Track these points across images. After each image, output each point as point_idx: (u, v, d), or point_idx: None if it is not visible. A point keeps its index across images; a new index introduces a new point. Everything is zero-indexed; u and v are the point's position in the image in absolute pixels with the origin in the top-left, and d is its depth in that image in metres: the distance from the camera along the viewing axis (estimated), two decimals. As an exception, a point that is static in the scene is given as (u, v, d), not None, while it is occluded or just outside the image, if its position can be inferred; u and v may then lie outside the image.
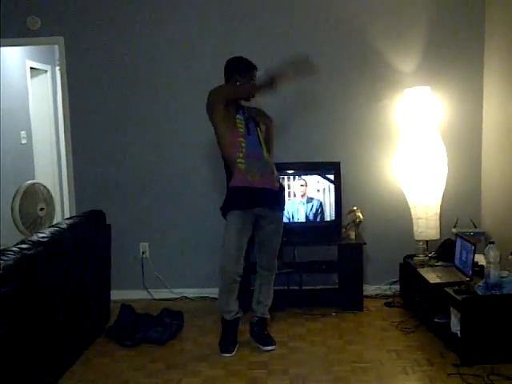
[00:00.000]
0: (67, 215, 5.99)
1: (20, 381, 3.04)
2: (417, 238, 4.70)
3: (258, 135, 3.91)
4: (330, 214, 4.76)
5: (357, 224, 4.79)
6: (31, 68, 6.77)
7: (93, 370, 3.74)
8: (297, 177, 4.76)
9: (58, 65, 5.25)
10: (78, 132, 5.09)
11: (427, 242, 4.69)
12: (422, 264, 4.47)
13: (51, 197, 6.08)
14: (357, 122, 4.94)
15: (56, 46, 5.18)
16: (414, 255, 4.65)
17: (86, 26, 4.99)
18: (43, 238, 3.44)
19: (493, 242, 3.78)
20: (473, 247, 3.98)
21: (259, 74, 3.86)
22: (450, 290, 3.81)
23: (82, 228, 3.94)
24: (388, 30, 4.85)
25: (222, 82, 3.93)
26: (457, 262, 4.24)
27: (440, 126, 4.73)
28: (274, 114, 4.15)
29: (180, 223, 5.11)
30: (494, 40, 4.65)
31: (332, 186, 4.74)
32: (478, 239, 4.47)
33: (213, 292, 4.99)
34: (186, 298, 5.09)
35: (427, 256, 4.58)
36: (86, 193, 5.10)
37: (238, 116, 3.86)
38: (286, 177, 4.71)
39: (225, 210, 3.90)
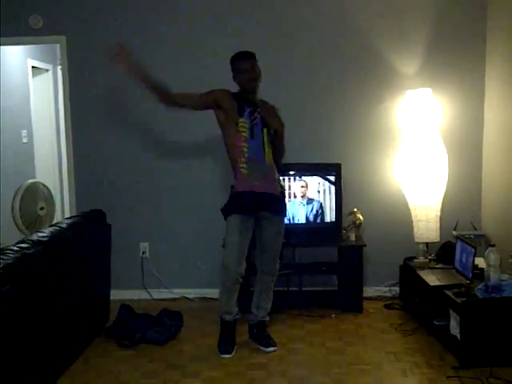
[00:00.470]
0: (67, 214, 5.99)
1: (19, 380, 3.03)
2: (417, 240, 4.69)
3: (263, 138, 3.82)
4: (330, 215, 4.76)
5: (357, 226, 4.78)
6: (33, 67, 6.78)
7: (92, 370, 3.74)
8: (297, 178, 4.76)
9: (60, 64, 5.25)
10: (78, 131, 5.09)
11: (427, 244, 4.68)
12: (422, 266, 4.47)
13: (51, 196, 6.08)
14: (358, 123, 4.94)
15: (58, 45, 5.18)
16: (414, 257, 4.65)
17: (87, 25, 4.99)
18: (43, 237, 3.45)
19: (493, 245, 3.77)
20: (473, 250, 3.97)
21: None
22: (449, 293, 3.81)
23: (82, 227, 3.94)
24: (389, 31, 4.85)
25: (228, 78, 3.90)
26: (457, 264, 4.24)
27: (441, 128, 4.72)
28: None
29: (180, 224, 5.11)
30: (495, 42, 4.65)
31: (332, 188, 4.74)
32: (479, 242, 4.46)
33: (212, 292, 4.99)
34: (186, 298, 5.09)
35: (427, 258, 4.58)
36: (87, 192, 5.10)
37: (241, 119, 3.80)
38: (286, 178, 4.70)
39: (226, 213, 3.89)
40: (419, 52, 4.84)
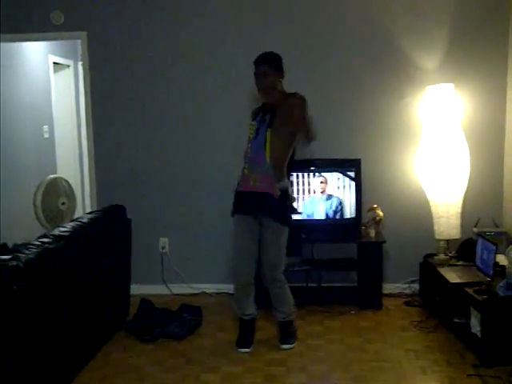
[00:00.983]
0: (88, 209, 6.04)
1: (40, 374, 3.07)
2: (437, 237, 4.66)
3: (266, 138, 3.75)
4: (349, 211, 4.74)
5: (377, 222, 4.76)
6: (54, 63, 6.82)
7: (112, 365, 3.77)
8: (317, 174, 4.74)
9: (81, 60, 5.28)
10: (99, 127, 5.12)
11: (448, 241, 4.64)
12: (443, 263, 4.44)
13: (73, 191, 6.13)
14: (378, 119, 4.91)
15: (79, 41, 5.21)
16: (435, 254, 4.62)
17: (108, 20, 5.01)
18: (65, 232, 3.48)
19: (515, 243, 3.73)
20: (494, 247, 3.94)
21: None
22: (470, 291, 3.78)
23: (102, 222, 3.98)
24: (411, 26, 4.80)
25: (248, 77, 3.90)
26: (478, 261, 4.20)
27: (463, 123, 4.67)
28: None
29: (200, 219, 5.12)
30: (519, 37, 4.59)
31: (352, 184, 4.72)
32: (500, 239, 4.41)
33: (231, 288, 4.97)
34: (205, 293, 5.10)
35: (448, 255, 4.55)
36: (107, 187, 5.13)
37: (252, 123, 3.86)
38: (305, 173, 4.69)
39: (231, 213, 3.93)
40: (441, 47, 4.79)
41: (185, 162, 5.09)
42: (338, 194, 4.74)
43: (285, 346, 3.96)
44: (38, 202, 5.56)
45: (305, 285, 4.76)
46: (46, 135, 6.62)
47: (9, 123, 5.77)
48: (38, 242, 3.23)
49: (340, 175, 4.74)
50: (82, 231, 3.64)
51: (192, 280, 5.14)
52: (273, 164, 3.75)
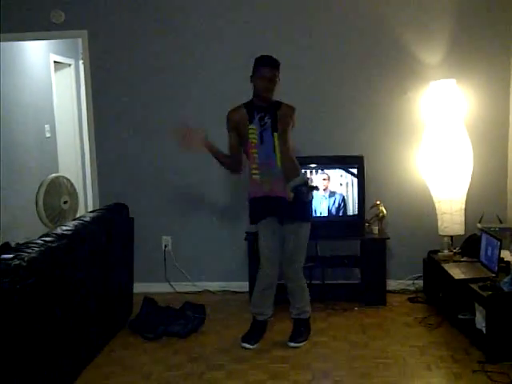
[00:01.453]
0: (90, 208, 6.03)
1: (43, 372, 3.06)
2: (441, 234, 4.64)
3: (274, 143, 3.78)
4: (352, 208, 4.72)
5: (380, 218, 4.75)
6: (55, 62, 6.82)
7: (116, 362, 3.77)
8: (319, 170, 4.73)
9: (82, 58, 5.27)
10: (101, 125, 5.11)
11: (452, 237, 4.63)
12: (447, 259, 4.42)
13: (75, 190, 6.12)
14: (381, 115, 4.89)
15: (80, 40, 5.20)
16: (439, 250, 4.61)
17: (109, 19, 5.00)
18: (67, 230, 3.47)
19: (519, 238, 3.72)
20: (498, 243, 3.92)
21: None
22: (474, 286, 3.76)
23: (105, 221, 3.97)
24: (413, 21, 4.78)
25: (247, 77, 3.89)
26: (482, 257, 4.19)
27: (466, 119, 4.65)
28: (297, 107, 4.10)
29: (202, 217, 5.11)
30: (521, 32, 4.57)
31: (355, 180, 4.70)
32: (504, 235, 4.38)
33: (234, 286, 5.01)
34: (208, 291, 5.09)
35: (452, 251, 4.53)
36: (109, 186, 5.13)
37: (251, 126, 3.80)
38: (308, 170, 4.68)
39: (251, 221, 3.95)
40: (443, 42, 4.77)
41: (187, 160, 5.06)
42: (340, 190, 4.72)
43: (291, 344, 3.94)
44: (40, 201, 5.56)
45: (308, 282, 4.72)
46: (48, 134, 6.62)
47: (10, 122, 5.77)
48: (40, 241, 3.22)
49: (343, 172, 4.73)
50: (85, 230, 3.64)
51: (195, 278, 5.13)
52: (284, 166, 3.80)
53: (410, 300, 4.74)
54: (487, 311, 3.58)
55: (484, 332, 3.64)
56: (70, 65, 7.23)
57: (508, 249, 4.12)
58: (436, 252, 4.62)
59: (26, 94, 6.13)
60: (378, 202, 4.75)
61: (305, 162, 4.58)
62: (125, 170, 5.13)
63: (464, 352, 3.73)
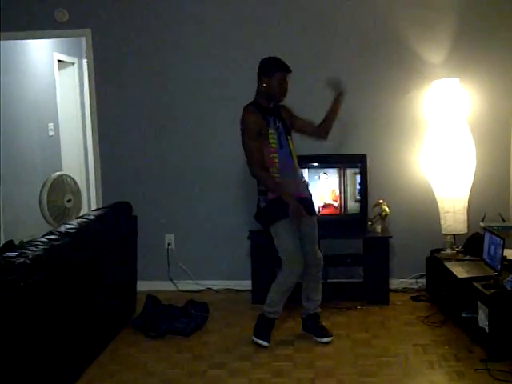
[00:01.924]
0: (94, 206, 6.04)
1: (47, 370, 3.08)
2: (444, 232, 4.65)
3: (289, 145, 3.87)
4: (355, 207, 4.73)
5: (383, 217, 4.75)
6: (58, 60, 6.83)
7: (119, 360, 3.78)
8: (322, 169, 4.73)
9: (85, 57, 5.28)
10: (104, 124, 5.12)
11: (455, 236, 4.63)
12: (450, 258, 4.42)
13: (78, 188, 6.14)
14: (384, 114, 4.89)
15: (83, 39, 5.21)
16: (441, 249, 4.61)
17: (113, 18, 5.01)
18: (71, 228, 3.48)
19: (522, 237, 3.72)
20: (501, 241, 3.92)
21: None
22: (477, 285, 3.76)
23: (108, 219, 3.98)
24: (416, 20, 4.77)
25: (250, 76, 3.88)
26: (485, 256, 4.19)
27: (469, 118, 4.65)
28: (300, 106, 4.12)
29: (205, 216, 5.12)
30: (525, 31, 4.57)
31: (358, 179, 4.70)
32: (507, 233, 4.38)
33: (237, 284, 5.01)
34: (211, 289, 5.10)
35: (455, 250, 4.54)
36: (113, 184, 5.14)
37: (270, 130, 3.80)
38: (311, 169, 4.68)
39: (273, 220, 3.84)
40: (446, 41, 4.76)
41: (190, 158, 5.08)
42: (343, 189, 4.72)
43: (326, 339, 3.94)
44: (44, 200, 5.58)
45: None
46: (51, 133, 6.63)
47: (14, 121, 5.79)
48: (44, 239, 3.23)
49: (346, 171, 4.73)
50: (88, 228, 3.65)
51: (198, 276, 5.14)
52: (299, 169, 3.96)
53: (413, 299, 4.74)
54: (490, 310, 3.58)
55: (487, 330, 3.64)
56: (73, 63, 7.25)
57: (511, 247, 4.11)
58: (439, 251, 4.62)
59: (30, 92, 6.15)
60: (381, 201, 4.75)
61: (307, 160, 4.59)
62: (128, 169, 5.14)
63: (467, 350, 3.73)
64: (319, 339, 3.95)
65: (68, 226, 3.52)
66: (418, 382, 3.46)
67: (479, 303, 3.77)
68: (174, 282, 5.16)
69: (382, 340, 3.98)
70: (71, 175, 6.16)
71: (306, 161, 4.50)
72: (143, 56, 5.02)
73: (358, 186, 4.72)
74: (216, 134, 5.04)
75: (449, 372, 3.47)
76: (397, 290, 4.87)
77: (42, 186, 5.65)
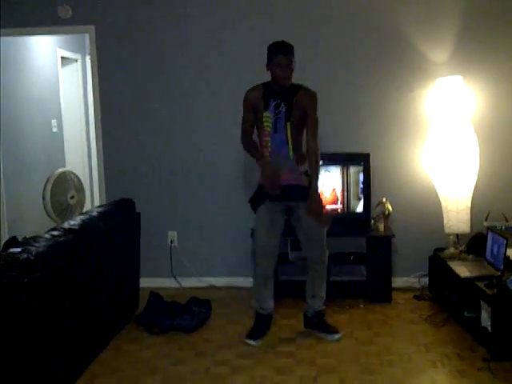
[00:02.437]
0: (97, 203, 6.05)
1: (50, 366, 3.08)
2: (447, 231, 4.64)
3: (286, 133, 3.77)
4: (358, 205, 4.73)
5: (386, 216, 4.75)
6: (62, 57, 6.83)
7: (122, 357, 3.79)
8: (325, 168, 4.72)
9: (89, 54, 5.28)
10: (107, 121, 5.12)
11: (458, 235, 4.63)
12: (453, 257, 4.43)
13: (82, 185, 6.14)
14: (387, 112, 4.89)
15: (87, 35, 5.20)
16: (444, 248, 4.61)
17: (116, 14, 5.00)
18: (74, 225, 3.49)
19: (526, 236, 3.72)
20: (504, 241, 3.92)
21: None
22: (480, 284, 3.77)
23: (111, 216, 3.98)
24: (420, 17, 4.77)
25: (261, 66, 3.84)
26: (488, 255, 4.18)
27: (472, 116, 4.65)
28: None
29: (208, 212, 5.12)
30: (530, 29, 4.56)
31: (361, 178, 4.70)
32: (510, 233, 4.38)
33: (240, 281, 5.01)
34: (214, 286, 5.10)
35: (458, 249, 4.53)
36: (116, 181, 5.14)
37: (266, 113, 3.76)
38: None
39: (254, 205, 3.89)
40: (450, 39, 4.75)
41: (193, 155, 5.08)
42: (346, 188, 4.72)
43: (336, 336, 3.95)
44: (47, 196, 5.57)
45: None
46: (55, 129, 6.63)
47: (17, 117, 5.79)
48: (47, 235, 3.24)
49: (349, 169, 4.72)
50: (92, 225, 3.65)
51: (201, 273, 5.15)
52: (297, 157, 3.82)
53: (416, 297, 4.74)
54: (493, 309, 3.58)
55: (489, 330, 3.64)
56: (76, 60, 7.24)
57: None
58: (442, 250, 4.62)
59: (33, 89, 6.15)
60: (384, 200, 4.75)
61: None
62: (131, 166, 5.14)
63: (469, 350, 3.73)
64: (330, 336, 3.96)
65: (71, 223, 3.53)
66: (420, 380, 3.46)
67: (482, 303, 3.77)
68: (177, 278, 5.17)
69: (385, 338, 3.98)
70: (74, 172, 6.16)
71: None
72: (147, 53, 5.02)
73: (361, 185, 4.72)
74: (219, 131, 5.03)
75: (451, 371, 3.47)
76: (399, 289, 4.86)
77: (46, 183, 5.65)
